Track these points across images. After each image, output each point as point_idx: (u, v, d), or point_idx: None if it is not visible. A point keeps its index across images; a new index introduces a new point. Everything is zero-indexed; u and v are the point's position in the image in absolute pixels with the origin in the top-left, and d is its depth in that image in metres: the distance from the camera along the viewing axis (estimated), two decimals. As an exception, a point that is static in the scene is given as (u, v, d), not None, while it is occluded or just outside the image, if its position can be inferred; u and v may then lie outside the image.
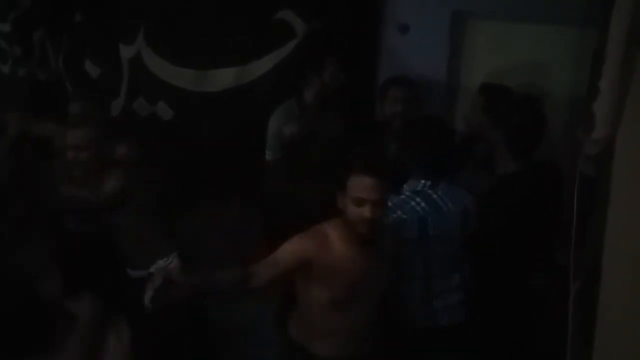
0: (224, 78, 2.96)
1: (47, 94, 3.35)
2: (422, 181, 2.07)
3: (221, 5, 2.83)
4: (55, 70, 3.36)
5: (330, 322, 1.96)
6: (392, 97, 2.49)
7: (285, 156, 2.66)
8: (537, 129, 2.15)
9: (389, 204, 2.04)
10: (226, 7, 2.82)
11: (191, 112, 3.07)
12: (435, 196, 2.06)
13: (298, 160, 2.63)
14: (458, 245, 2.12)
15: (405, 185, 2.11)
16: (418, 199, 2.06)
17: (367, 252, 1.88)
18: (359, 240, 1.85)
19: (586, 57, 1.64)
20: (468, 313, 2.17)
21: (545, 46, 2.53)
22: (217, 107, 3.01)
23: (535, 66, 2.58)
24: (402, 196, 2.08)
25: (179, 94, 3.05)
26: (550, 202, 2.11)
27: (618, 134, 1.49)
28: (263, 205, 2.82)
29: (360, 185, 1.75)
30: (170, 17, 2.97)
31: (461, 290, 2.16)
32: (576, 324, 1.59)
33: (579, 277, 1.65)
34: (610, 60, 1.47)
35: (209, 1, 2.87)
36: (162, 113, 3.15)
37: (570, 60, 2.48)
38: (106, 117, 2.89)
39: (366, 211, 1.75)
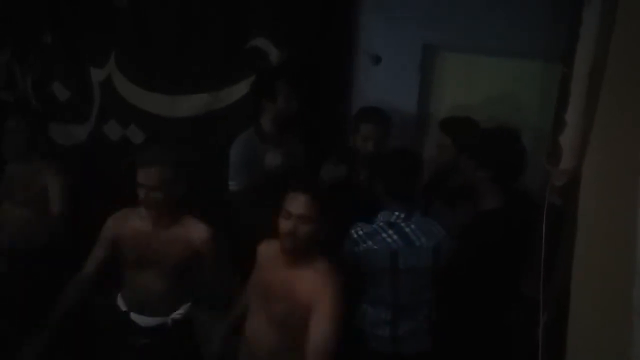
0: (195, 104, 2.94)
1: (13, 116, 3.26)
2: (396, 213, 2.07)
3: (194, 31, 2.82)
4: (22, 91, 3.29)
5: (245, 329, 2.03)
6: (363, 135, 2.45)
7: (251, 185, 2.57)
8: (521, 162, 2.15)
9: (360, 232, 2.04)
10: (199, 33, 2.81)
11: (162, 136, 3.03)
12: (407, 229, 2.06)
13: (263, 189, 2.54)
14: (428, 277, 2.11)
15: (379, 215, 2.10)
16: (390, 232, 2.06)
17: (292, 271, 1.90)
18: (286, 256, 1.90)
19: (552, 90, 1.67)
20: (434, 342, 2.16)
21: (513, 79, 2.59)
22: (187, 132, 2.98)
23: (502, 99, 2.63)
24: (375, 226, 2.08)
25: (150, 118, 3.02)
26: (524, 234, 2.12)
27: (584, 164, 1.52)
28: (229, 235, 2.77)
29: (292, 200, 1.85)
30: (141, 41, 2.94)
31: (428, 319, 2.16)
32: (545, 355, 1.58)
33: (548, 308, 1.65)
34: (576, 94, 1.51)
35: (182, 27, 2.86)
36: (132, 136, 3.11)
37: (536, 93, 2.54)
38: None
39: (289, 224, 1.83)
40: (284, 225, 1.85)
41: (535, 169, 2.06)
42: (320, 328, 1.77)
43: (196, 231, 2.20)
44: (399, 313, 2.11)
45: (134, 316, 2.29)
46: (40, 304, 2.43)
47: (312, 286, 1.85)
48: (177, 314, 2.32)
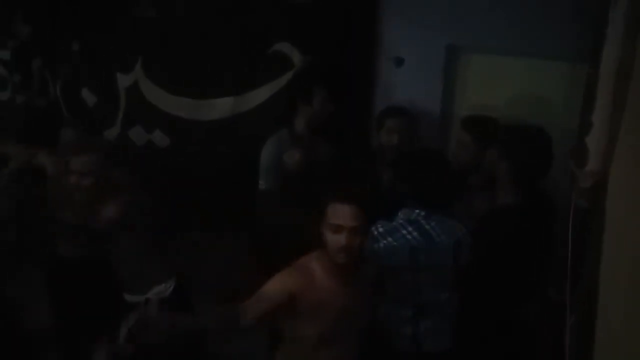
0: (220, 107, 2.98)
1: (45, 121, 3.35)
2: (417, 210, 2.08)
3: (219, 36, 2.86)
4: (53, 97, 3.38)
5: (316, 358, 1.92)
6: (388, 128, 2.50)
7: (280, 185, 2.65)
8: (545, 159, 2.15)
9: (380, 229, 2.06)
10: (223, 38, 2.85)
11: (187, 140, 3.08)
12: (428, 227, 2.06)
13: (292, 190, 2.63)
14: (449, 275, 2.12)
15: (399, 213, 2.11)
16: (410, 228, 2.06)
17: (349, 284, 1.87)
18: (340, 272, 1.84)
19: (578, 90, 1.66)
20: (455, 341, 2.16)
21: (538, 80, 2.57)
22: (213, 135, 3.02)
23: (527, 99, 2.61)
24: (395, 224, 2.09)
25: (175, 122, 3.07)
26: (546, 234, 2.10)
27: (611, 166, 1.51)
28: (255, 236, 2.82)
29: (338, 212, 1.76)
30: (168, 47, 3.00)
31: (449, 317, 2.15)
32: (573, 357, 1.57)
33: (575, 310, 1.64)
34: (602, 95, 1.50)
35: (207, 32, 2.90)
36: (158, 141, 3.16)
37: (562, 94, 2.51)
38: (106, 143, 2.90)
39: (342, 239, 1.75)
40: (337, 240, 1.76)
41: (561, 171, 2.05)
42: None
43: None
44: (420, 311, 2.11)
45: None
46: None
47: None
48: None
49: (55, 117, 3.34)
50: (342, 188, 1.83)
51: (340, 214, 1.76)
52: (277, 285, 1.85)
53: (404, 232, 2.05)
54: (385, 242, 2.05)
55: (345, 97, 2.70)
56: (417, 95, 2.67)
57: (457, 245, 2.08)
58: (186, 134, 3.08)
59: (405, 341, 2.13)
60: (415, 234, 2.05)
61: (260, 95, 2.89)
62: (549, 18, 2.36)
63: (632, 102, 1.38)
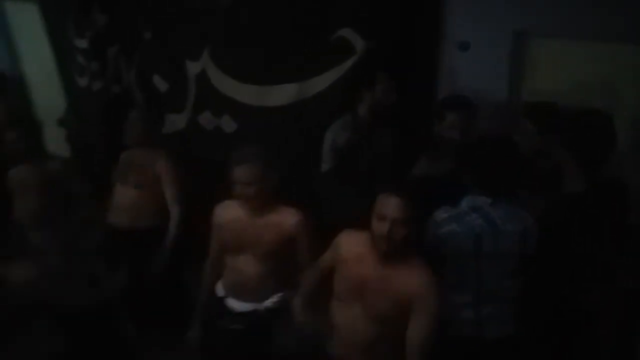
0: (285, 93, 3.06)
1: (119, 106, 3.55)
2: (482, 197, 2.08)
3: (282, 23, 2.92)
4: (126, 84, 3.57)
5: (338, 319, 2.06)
6: (449, 122, 2.48)
7: (341, 169, 2.75)
8: (607, 144, 2.10)
9: (444, 215, 2.08)
10: (288, 25, 2.91)
11: (253, 125, 3.19)
12: (494, 214, 2.06)
13: (347, 170, 2.75)
14: (513, 263, 2.10)
15: (464, 200, 2.12)
16: (475, 215, 2.06)
17: (389, 269, 1.92)
18: (381, 256, 1.92)
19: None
20: (518, 326, 2.15)
21: (608, 64, 2.48)
22: (278, 121, 3.11)
23: (596, 85, 2.53)
24: (460, 210, 2.10)
25: (242, 108, 3.18)
26: (617, 220, 2.06)
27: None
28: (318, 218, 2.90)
29: (385, 202, 1.84)
30: (233, 35, 3.09)
31: (512, 303, 2.15)
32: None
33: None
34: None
35: (271, 20, 2.97)
36: (226, 126, 3.29)
37: (632, 79, 2.43)
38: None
39: (384, 227, 1.83)
40: (379, 227, 1.85)
41: (634, 157, 2.00)
42: (421, 326, 1.85)
43: (288, 216, 2.32)
44: (482, 297, 2.11)
45: (230, 301, 2.43)
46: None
47: (411, 283, 1.89)
48: (269, 302, 2.42)
49: (129, 102, 3.54)
50: (393, 182, 1.95)
51: (387, 204, 1.84)
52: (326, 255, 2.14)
53: (469, 218, 2.06)
54: (449, 228, 2.07)
55: (408, 84, 2.72)
56: (481, 81, 2.64)
57: (522, 234, 2.06)
58: (252, 120, 3.19)
59: (466, 327, 2.14)
60: (480, 220, 2.05)
61: (324, 81, 2.94)
62: (618, 0, 2.27)
63: None
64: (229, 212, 2.40)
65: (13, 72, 4.52)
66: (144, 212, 2.93)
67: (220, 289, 2.47)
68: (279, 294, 2.43)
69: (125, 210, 2.96)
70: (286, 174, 2.97)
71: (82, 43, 3.50)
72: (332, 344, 2.09)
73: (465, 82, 2.66)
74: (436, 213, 2.12)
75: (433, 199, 2.21)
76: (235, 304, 2.43)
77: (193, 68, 3.26)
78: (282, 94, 3.06)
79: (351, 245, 2.05)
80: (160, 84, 3.44)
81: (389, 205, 1.83)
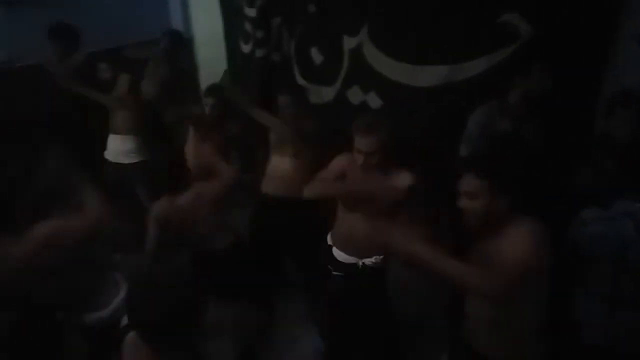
0: (435, 74, 3.06)
1: (278, 74, 3.79)
2: (637, 204, 1.96)
3: (447, 4, 2.91)
4: (286, 53, 3.79)
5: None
6: (619, 119, 2.33)
7: (481, 152, 2.72)
8: None
9: (592, 215, 1.98)
10: (452, 5, 2.89)
11: (398, 103, 3.24)
12: None
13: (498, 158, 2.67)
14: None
15: (616, 204, 2.01)
16: (626, 221, 1.95)
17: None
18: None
19: None
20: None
21: None
22: (423, 100, 3.13)
23: None
24: (609, 214, 1.99)
25: (390, 85, 3.24)
26: None
27: None
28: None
29: (464, 179, 1.90)
30: (394, 13, 3.13)
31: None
32: None
33: None
34: None
35: (433, 1, 2.97)
36: (371, 102, 3.38)
37: None
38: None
39: (461, 201, 1.90)
40: (460, 202, 1.92)
41: None
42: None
43: (402, 179, 2.46)
44: (617, 305, 2.01)
45: (335, 251, 2.69)
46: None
47: None
48: (368, 260, 2.60)
49: (287, 71, 3.76)
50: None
51: (464, 180, 1.89)
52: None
53: (619, 223, 1.96)
54: (596, 229, 1.98)
55: (569, 74, 2.59)
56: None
57: None
58: (398, 98, 3.23)
59: (598, 336, 2.06)
60: (630, 227, 1.94)
61: (478, 65, 2.90)
62: None
63: None
64: (348, 166, 2.56)
65: (187, 34, 4.99)
66: (298, 182, 3.15)
67: (329, 238, 2.74)
68: (379, 256, 2.61)
69: (280, 180, 3.19)
70: (425, 153, 3.06)
71: (251, 12, 3.76)
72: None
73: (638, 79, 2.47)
74: (584, 211, 2.04)
75: (580, 197, 2.13)
76: (338, 254, 2.67)
77: (349, 43, 3.37)
78: (432, 75, 3.07)
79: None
80: (316, 56, 3.61)
81: (465, 182, 1.86)
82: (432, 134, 3.07)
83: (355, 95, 3.45)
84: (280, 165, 3.30)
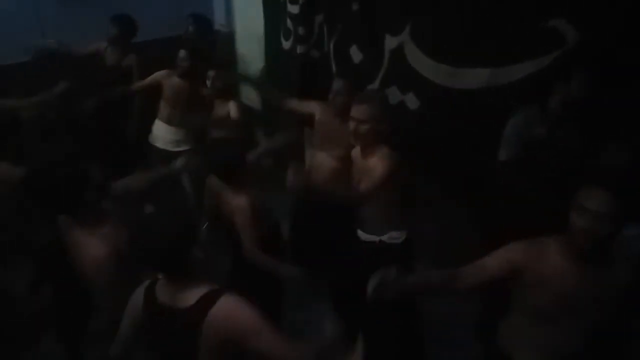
0: (476, 77, 3.04)
1: (317, 71, 3.83)
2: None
3: (493, 7, 2.89)
4: (326, 51, 3.82)
5: (536, 333, 1.95)
6: None
7: (520, 159, 2.72)
8: None
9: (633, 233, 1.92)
10: (497, 8, 2.87)
11: (436, 105, 3.24)
12: None
13: (528, 162, 2.71)
14: None
15: None
16: None
17: (589, 270, 1.83)
18: (581, 256, 1.82)
19: None
20: None
21: None
22: (462, 103, 3.11)
23: None
24: None
25: (429, 86, 3.23)
26: None
27: None
28: (488, 205, 2.89)
29: (589, 195, 1.74)
30: (438, 14, 3.12)
31: None
32: None
33: None
34: None
35: (479, 3, 2.94)
36: (409, 103, 3.38)
37: None
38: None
39: (587, 222, 1.73)
40: (582, 222, 1.75)
41: None
42: None
43: (388, 158, 2.60)
44: None
45: (359, 232, 2.88)
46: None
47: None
48: (385, 237, 2.76)
49: (325, 68, 3.79)
50: (601, 172, 1.79)
51: (591, 197, 1.73)
52: (498, 257, 1.93)
53: None
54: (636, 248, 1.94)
55: (614, 82, 2.54)
56: None
57: None
58: (437, 99, 3.22)
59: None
60: None
61: (521, 69, 2.85)
62: None
63: None
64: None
65: (229, 29, 5.07)
66: (339, 179, 3.17)
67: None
68: (395, 232, 2.76)
69: (323, 177, 3.22)
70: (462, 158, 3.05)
71: (294, 8, 3.81)
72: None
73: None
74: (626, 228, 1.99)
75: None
76: (361, 234, 2.86)
77: (391, 43, 3.38)
78: (473, 78, 3.05)
79: (534, 259, 1.89)
80: (355, 54, 3.62)
81: (595, 200, 1.72)
82: (469, 137, 3.06)
83: (393, 95, 3.45)
84: (324, 162, 3.30)
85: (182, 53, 3.74)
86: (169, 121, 3.92)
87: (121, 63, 4.05)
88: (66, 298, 2.71)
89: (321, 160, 3.31)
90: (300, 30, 3.80)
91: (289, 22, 3.88)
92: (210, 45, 4.37)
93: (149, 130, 4.02)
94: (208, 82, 3.76)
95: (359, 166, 2.76)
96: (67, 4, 4.34)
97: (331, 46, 3.74)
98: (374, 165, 2.62)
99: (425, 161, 3.16)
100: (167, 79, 3.85)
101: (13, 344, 3.07)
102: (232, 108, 3.73)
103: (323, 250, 3.29)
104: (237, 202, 2.62)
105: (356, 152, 2.81)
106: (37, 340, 3.15)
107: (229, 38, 5.11)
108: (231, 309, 1.70)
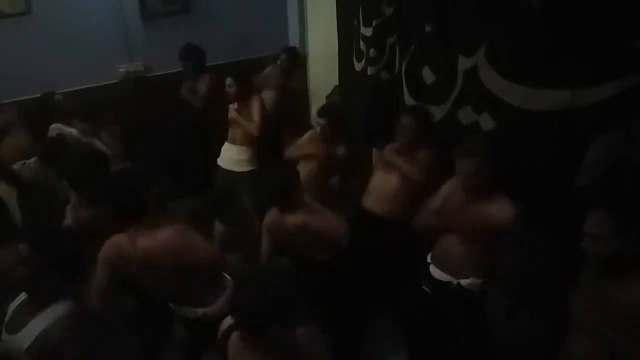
0: (555, 99, 2.93)
1: (387, 93, 3.85)
2: None
3: (573, 27, 2.79)
4: (397, 72, 3.83)
5: None
6: None
7: (596, 181, 2.64)
8: None
9: None
10: (579, 28, 2.77)
11: (511, 126, 3.16)
12: None
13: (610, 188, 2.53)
14: None
15: None
16: None
17: None
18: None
19: None
20: None
21: None
22: (538, 125, 3.02)
23: None
24: None
25: (505, 107, 3.16)
26: None
27: None
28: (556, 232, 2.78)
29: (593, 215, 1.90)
30: (512, 35, 3.06)
31: None
32: None
33: None
34: None
35: (561, 22, 2.85)
36: (483, 123, 3.32)
37: None
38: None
39: (588, 242, 1.92)
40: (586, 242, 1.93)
41: None
42: None
43: (502, 208, 2.55)
44: None
45: (432, 268, 2.87)
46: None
47: None
48: (464, 281, 2.68)
49: (396, 90, 3.80)
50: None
51: (593, 216, 1.86)
52: None
53: None
54: None
55: None
56: None
57: None
58: (512, 120, 3.14)
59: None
60: None
61: (603, 91, 2.75)
62: None
63: None
64: (451, 190, 2.71)
65: (303, 49, 5.21)
66: (400, 202, 3.18)
67: (429, 256, 2.89)
68: (476, 278, 2.69)
69: (383, 198, 3.24)
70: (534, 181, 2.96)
71: (367, 31, 3.86)
72: None
73: None
74: None
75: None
76: (434, 271, 2.83)
77: (464, 63, 3.34)
78: (552, 99, 2.95)
79: None
80: (427, 75, 3.61)
81: (595, 219, 1.86)
82: (547, 161, 2.96)
83: (466, 115, 3.41)
84: (384, 183, 3.32)
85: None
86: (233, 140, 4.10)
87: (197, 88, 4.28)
88: (147, 306, 2.85)
89: (381, 182, 3.38)
90: (372, 52, 3.84)
91: (361, 44, 3.93)
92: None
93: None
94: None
95: (464, 209, 2.71)
96: (154, 27, 4.62)
97: (403, 67, 3.75)
98: (491, 214, 2.62)
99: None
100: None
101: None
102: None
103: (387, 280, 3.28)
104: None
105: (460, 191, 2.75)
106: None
107: (303, 60, 5.25)
108: None
